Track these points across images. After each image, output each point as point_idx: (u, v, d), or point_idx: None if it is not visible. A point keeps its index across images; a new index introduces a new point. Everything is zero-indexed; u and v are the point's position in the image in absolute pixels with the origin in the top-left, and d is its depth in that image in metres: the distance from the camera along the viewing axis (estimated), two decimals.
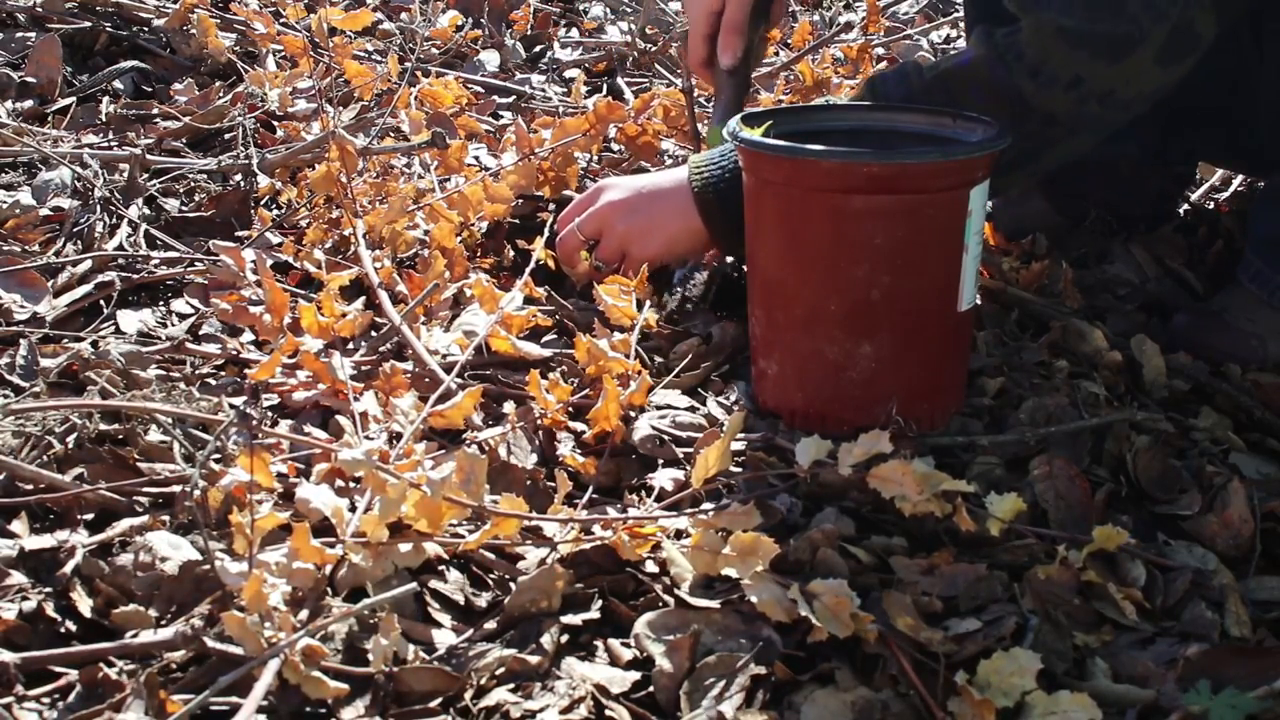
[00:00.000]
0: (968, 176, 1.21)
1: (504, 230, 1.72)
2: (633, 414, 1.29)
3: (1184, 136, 1.71)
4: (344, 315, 1.41)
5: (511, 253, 1.69)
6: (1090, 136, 1.35)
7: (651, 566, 1.09)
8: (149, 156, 1.91)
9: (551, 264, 1.58)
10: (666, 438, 1.26)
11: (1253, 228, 1.58)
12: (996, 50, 1.30)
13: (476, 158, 1.91)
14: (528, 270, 1.49)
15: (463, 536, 1.07)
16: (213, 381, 1.37)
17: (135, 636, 0.96)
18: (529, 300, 1.47)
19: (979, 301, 1.42)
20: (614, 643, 1.01)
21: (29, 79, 2.25)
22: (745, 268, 1.44)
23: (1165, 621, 1.07)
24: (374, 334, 1.46)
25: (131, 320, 1.52)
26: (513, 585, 1.05)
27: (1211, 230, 1.79)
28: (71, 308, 1.54)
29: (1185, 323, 1.51)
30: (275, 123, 2.12)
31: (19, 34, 2.42)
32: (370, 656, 0.94)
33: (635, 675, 0.97)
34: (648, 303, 1.45)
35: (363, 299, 1.54)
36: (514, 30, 2.88)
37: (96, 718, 0.90)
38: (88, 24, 2.44)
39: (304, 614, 0.97)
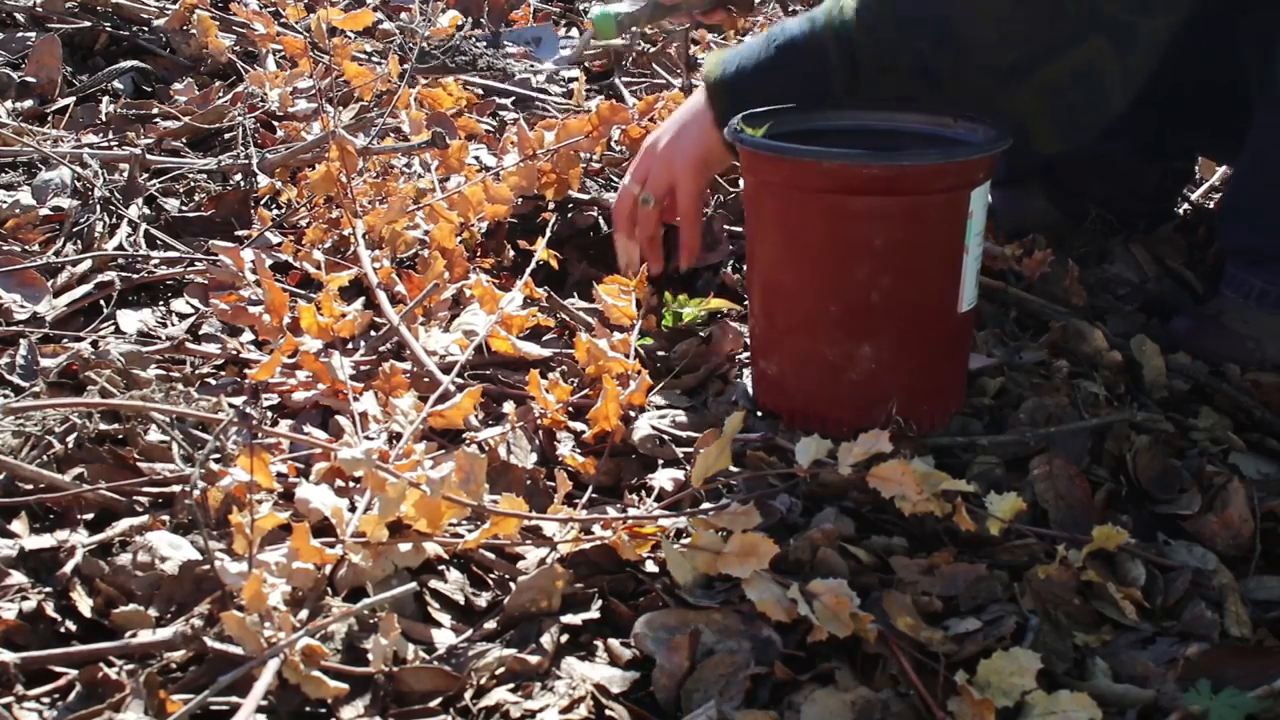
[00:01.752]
0: (968, 178, 1.21)
1: (504, 230, 1.72)
2: (632, 414, 1.29)
3: (1181, 132, 1.71)
4: (343, 315, 1.41)
5: (511, 253, 1.69)
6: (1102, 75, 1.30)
7: (651, 566, 1.09)
8: (149, 156, 1.91)
9: (554, 264, 1.58)
10: (666, 438, 1.26)
11: (1222, 241, 1.60)
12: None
13: (477, 158, 1.91)
14: (528, 270, 1.49)
15: (463, 536, 1.07)
16: (213, 381, 1.37)
17: (135, 636, 0.96)
18: (529, 300, 1.47)
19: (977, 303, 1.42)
20: (614, 643, 1.01)
21: (29, 79, 2.25)
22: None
23: (1165, 621, 1.07)
24: (373, 334, 1.46)
25: (131, 320, 1.52)
26: (513, 585, 1.05)
27: (1211, 230, 1.79)
28: (71, 308, 1.54)
29: (1183, 327, 1.52)
30: (275, 123, 2.12)
31: (19, 34, 2.42)
32: (370, 656, 0.94)
33: (635, 675, 0.97)
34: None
35: (362, 299, 1.54)
36: (514, 30, 2.88)
37: (96, 718, 0.90)
38: (88, 24, 2.44)
39: (304, 614, 0.97)
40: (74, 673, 0.94)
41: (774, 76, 1.37)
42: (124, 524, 1.10)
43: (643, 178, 1.49)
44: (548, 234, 1.59)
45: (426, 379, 1.33)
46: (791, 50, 1.36)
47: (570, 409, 1.29)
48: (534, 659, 0.97)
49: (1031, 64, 1.29)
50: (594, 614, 1.03)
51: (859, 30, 1.30)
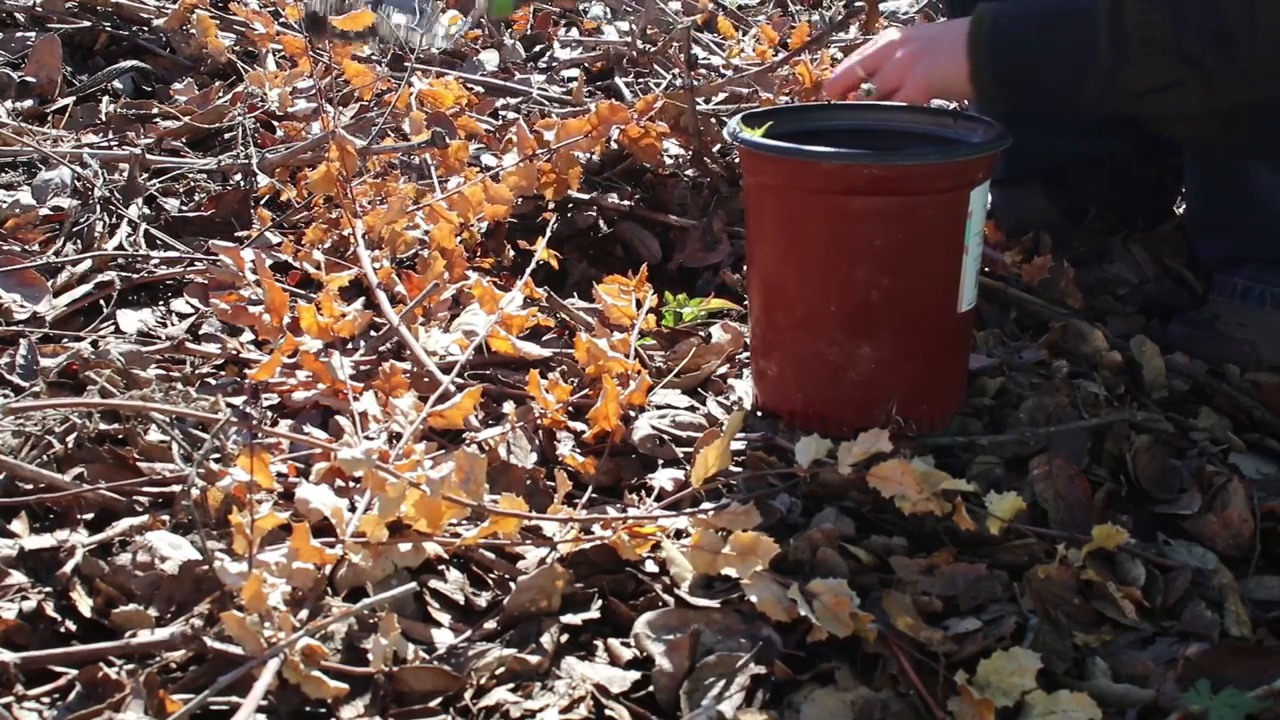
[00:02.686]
0: (968, 178, 1.21)
1: (504, 230, 1.72)
2: (632, 414, 1.29)
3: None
4: (343, 316, 1.41)
5: (512, 253, 1.69)
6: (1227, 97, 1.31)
7: (651, 566, 1.09)
8: (149, 156, 1.91)
9: (554, 264, 1.58)
10: (666, 437, 1.26)
11: (1197, 254, 1.64)
12: None
13: (478, 156, 1.91)
14: (528, 270, 1.49)
15: (462, 535, 1.07)
16: (212, 381, 1.37)
17: (135, 636, 0.96)
18: (529, 301, 1.47)
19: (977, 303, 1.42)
20: (614, 642, 1.01)
21: (29, 79, 2.25)
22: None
23: (1165, 621, 1.07)
24: (373, 334, 1.46)
25: (131, 320, 1.52)
26: (513, 585, 1.05)
27: None
28: (71, 307, 1.54)
29: (1179, 334, 1.52)
30: (275, 123, 2.12)
31: (19, 34, 2.42)
32: (370, 656, 0.94)
33: (635, 675, 0.97)
34: (647, 302, 1.45)
35: (362, 299, 1.54)
36: (514, 30, 2.88)
37: (96, 717, 0.90)
38: (88, 24, 2.44)
39: (303, 614, 0.97)
40: (74, 673, 0.94)
41: (1040, 37, 1.36)
42: (124, 524, 1.10)
43: (872, 69, 1.46)
44: (548, 233, 1.59)
45: (426, 379, 1.33)
46: (1061, 17, 1.34)
47: (570, 409, 1.29)
48: (534, 659, 0.97)
49: None
50: (594, 614, 1.03)
51: (1133, 12, 1.28)
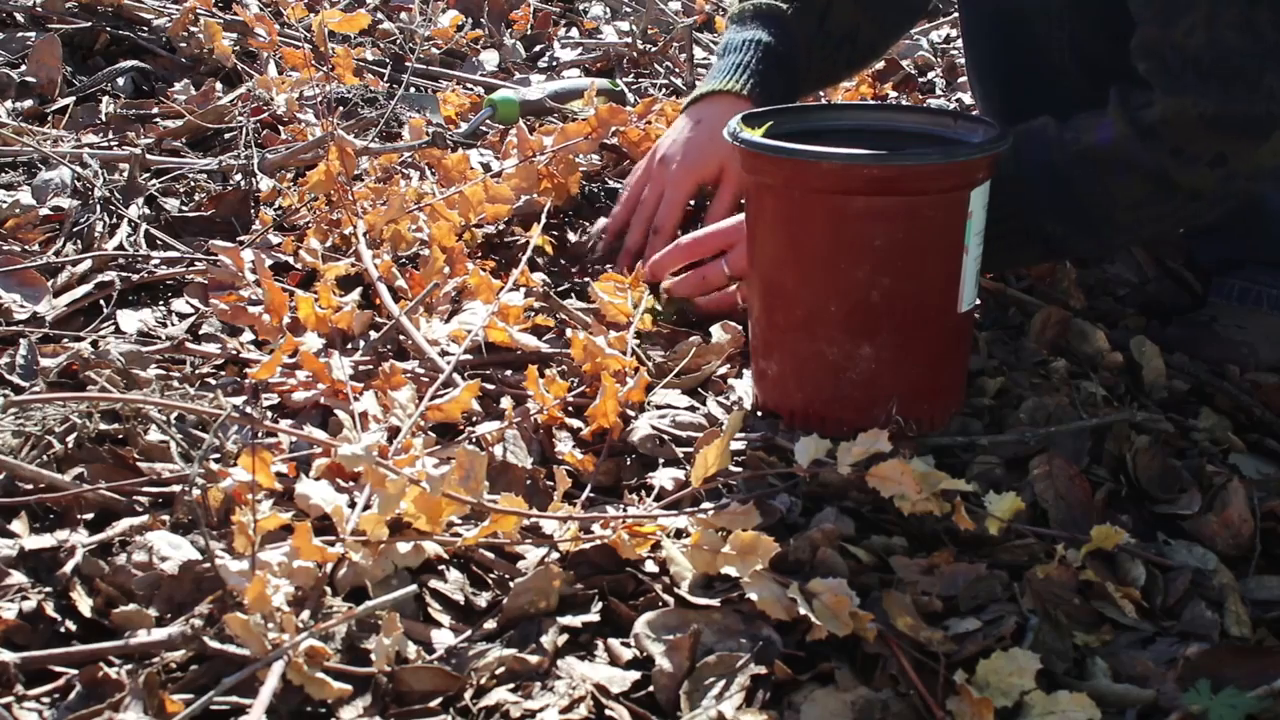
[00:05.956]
0: (968, 178, 1.20)
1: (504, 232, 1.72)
2: (630, 411, 1.29)
3: None
4: (341, 307, 1.41)
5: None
6: (1227, 207, 1.34)
7: (651, 566, 1.09)
8: (149, 156, 1.91)
9: (549, 249, 1.58)
10: (666, 437, 1.26)
11: (1196, 257, 1.65)
12: (1136, 129, 1.28)
13: (484, 165, 1.91)
14: (523, 259, 1.49)
15: (462, 535, 1.07)
16: (213, 381, 1.37)
17: (135, 636, 0.96)
18: (526, 290, 1.47)
19: (979, 301, 1.42)
20: (614, 642, 1.01)
21: (29, 79, 2.25)
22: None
23: (1165, 621, 1.07)
24: (374, 334, 1.46)
25: (131, 320, 1.52)
26: (513, 585, 1.05)
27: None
28: (71, 307, 1.54)
29: (1178, 336, 1.52)
30: (280, 127, 2.12)
31: (19, 34, 2.42)
32: (373, 656, 0.94)
33: (635, 675, 0.97)
34: (643, 301, 1.45)
35: (359, 288, 1.54)
36: (514, 30, 2.89)
37: (96, 718, 0.90)
38: (88, 24, 2.44)
39: (305, 614, 0.97)
40: (74, 673, 0.94)
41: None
42: (124, 524, 1.10)
43: (718, 248, 1.46)
44: (542, 219, 1.58)
45: (426, 379, 1.33)
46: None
47: (569, 407, 1.29)
48: (534, 659, 0.97)
49: None
50: (594, 616, 1.03)
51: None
